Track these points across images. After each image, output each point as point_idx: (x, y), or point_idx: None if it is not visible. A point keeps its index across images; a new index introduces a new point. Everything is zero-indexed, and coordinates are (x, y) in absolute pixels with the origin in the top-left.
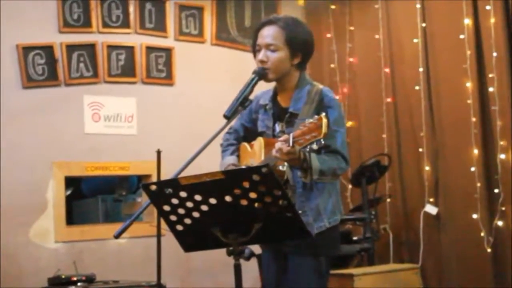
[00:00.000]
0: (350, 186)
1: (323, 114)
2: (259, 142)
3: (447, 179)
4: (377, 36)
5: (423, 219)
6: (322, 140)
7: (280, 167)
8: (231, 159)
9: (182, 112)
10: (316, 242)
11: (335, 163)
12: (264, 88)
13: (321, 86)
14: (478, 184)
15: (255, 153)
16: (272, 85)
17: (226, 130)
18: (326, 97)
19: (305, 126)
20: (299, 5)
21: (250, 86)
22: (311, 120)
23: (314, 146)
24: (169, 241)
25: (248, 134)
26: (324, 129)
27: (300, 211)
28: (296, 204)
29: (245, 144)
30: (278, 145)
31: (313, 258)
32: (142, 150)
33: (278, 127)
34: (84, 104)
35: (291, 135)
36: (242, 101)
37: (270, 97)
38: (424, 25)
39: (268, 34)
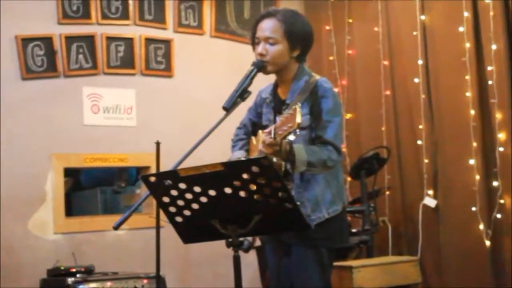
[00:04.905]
0: (349, 179)
1: (298, 104)
2: (259, 135)
3: (446, 171)
4: (376, 29)
5: (422, 212)
6: (297, 130)
7: (276, 159)
8: (238, 154)
9: (181, 103)
10: (316, 233)
11: (325, 154)
12: (263, 80)
13: (318, 77)
14: (477, 177)
15: (256, 147)
16: (273, 78)
17: (238, 125)
18: (321, 87)
19: (284, 117)
20: None
21: (249, 78)
22: (288, 111)
23: (291, 137)
24: (168, 232)
25: (256, 128)
26: (298, 119)
27: (298, 202)
28: (294, 195)
29: (253, 138)
30: (262, 137)
31: (314, 250)
32: (141, 141)
33: (278, 120)
34: (83, 96)
35: (272, 126)
36: (241, 93)
37: (271, 91)
38: (423, 17)
39: (267, 27)
